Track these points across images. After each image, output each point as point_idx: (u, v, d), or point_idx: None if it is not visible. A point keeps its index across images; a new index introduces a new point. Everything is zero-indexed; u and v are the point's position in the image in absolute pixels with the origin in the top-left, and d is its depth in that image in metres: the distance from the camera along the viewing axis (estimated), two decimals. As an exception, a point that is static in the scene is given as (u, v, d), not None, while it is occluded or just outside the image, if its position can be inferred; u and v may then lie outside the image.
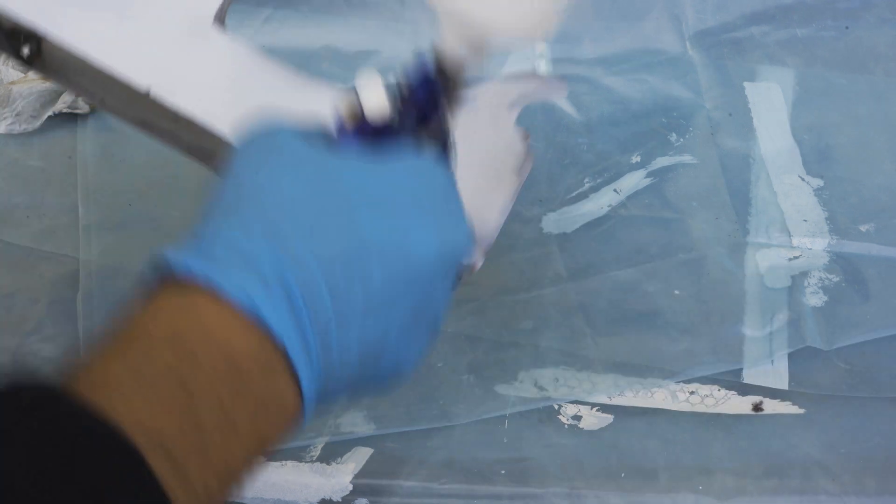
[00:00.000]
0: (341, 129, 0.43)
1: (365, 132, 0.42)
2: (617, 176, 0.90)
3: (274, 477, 0.73)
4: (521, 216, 0.87)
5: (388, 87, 0.43)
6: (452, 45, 0.45)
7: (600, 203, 0.88)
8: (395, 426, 0.75)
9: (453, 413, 0.76)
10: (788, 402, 0.76)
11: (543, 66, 0.98)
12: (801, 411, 0.76)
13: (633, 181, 0.89)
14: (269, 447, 0.37)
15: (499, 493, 0.72)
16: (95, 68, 0.65)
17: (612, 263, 0.84)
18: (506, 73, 0.77)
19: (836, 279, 0.82)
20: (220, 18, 0.72)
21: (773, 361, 0.78)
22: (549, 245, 0.85)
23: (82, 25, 0.68)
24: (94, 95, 0.69)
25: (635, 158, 0.91)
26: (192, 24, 0.71)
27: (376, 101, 0.42)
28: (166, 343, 0.35)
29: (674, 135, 0.92)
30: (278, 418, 0.37)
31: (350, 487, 0.73)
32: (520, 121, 0.95)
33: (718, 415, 0.75)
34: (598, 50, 0.98)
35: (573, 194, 0.89)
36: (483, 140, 0.75)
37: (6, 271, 0.86)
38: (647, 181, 0.89)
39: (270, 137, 0.41)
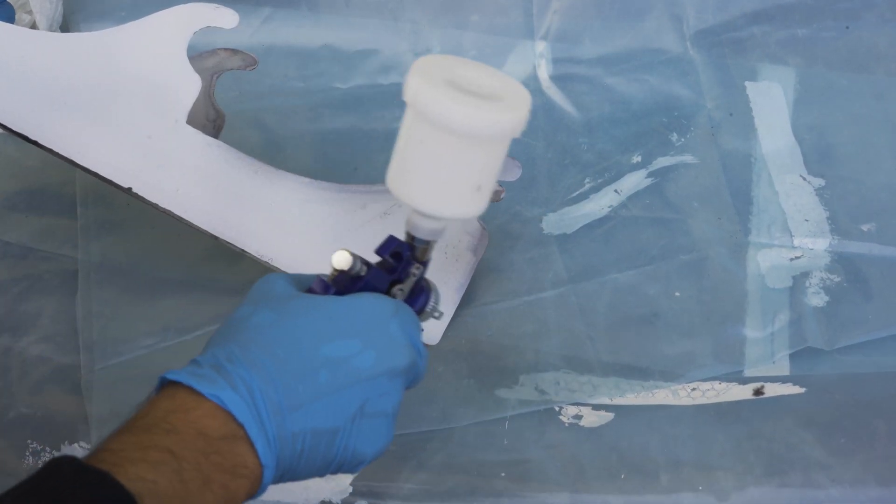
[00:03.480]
0: (320, 281, 0.59)
1: (340, 282, 0.58)
2: (617, 176, 0.90)
3: (274, 479, 0.73)
4: (521, 217, 0.87)
5: (355, 254, 0.58)
6: (413, 224, 0.60)
7: (601, 203, 0.88)
8: (395, 428, 0.75)
9: (453, 415, 0.76)
10: (790, 384, 0.76)
11: (544, 66, 0.98)
12: (802, 390, 0.75)
13: (633, 181, 0.89)
14: (236, 499, 0.52)
15: (498, 495, 0.72)
16: (83, 167, 0.76)
17: (612, 265, 0.84)
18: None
19: (837, 279, 0.82)
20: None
21: (774, 362, 0.78)
22: (550, 246, 0.85)
23: (66, 131, 0.76)
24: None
25: (636, 158, 0.91)
26: (167, 126, 0.77)
27: (342, 261, 0.57)
28: (160, 426, 0.50)
29: (674, 134, 0.92)
30: (242, 477, 0.52)
31: (350, 489, 0.73)
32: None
33: (719, 412, 0.75)
34: (598, 50, 0.98)
35: (573, 195, 0.89)
36: None
37: (6, 271, 0.86)
38: (648, 181, 0.89)
39: (265, 283, 0.59)
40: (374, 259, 0.60)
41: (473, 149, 0.57)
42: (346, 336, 0.55)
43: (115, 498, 0.46)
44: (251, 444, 0.52)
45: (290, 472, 0.55)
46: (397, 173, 0.59)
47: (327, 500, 0.72)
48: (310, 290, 0.58)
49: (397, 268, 0.60)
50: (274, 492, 0.72)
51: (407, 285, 0.61)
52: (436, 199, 0.58)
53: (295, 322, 0.55)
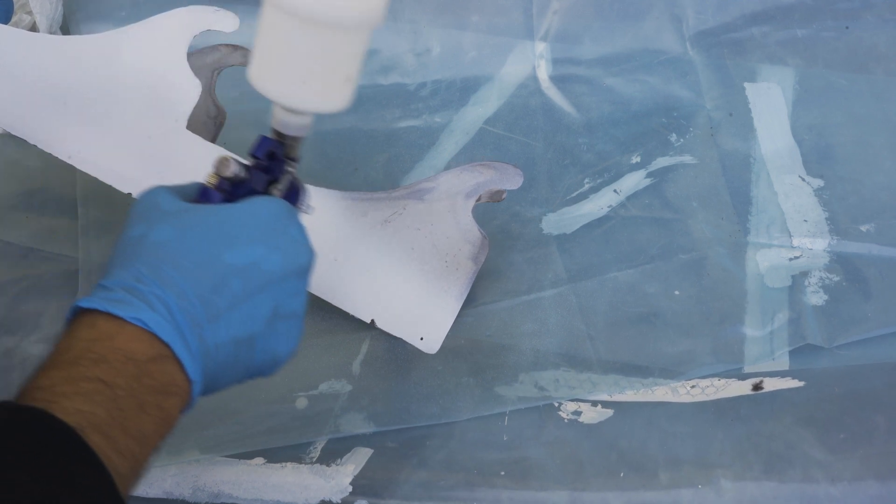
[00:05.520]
0: (205, 188, 0.59)
1: (223, 189, 0.59)
2: (617, 176, 0.90)
3: (274, 478, 0.73)
4: (521, 217, 0.87)
5: (234, 158, 0.59)
6: (280, 120, 0.60)
7: (600, 203, 0.88)
8: (394, 424, 0.75)
9: (453, 411, 0.76)
10: (789, 378, 0.76)
11: (543, 67, 0.98)
12: (801, 384, 0.76)
13: (633, 181, 0.89)
14: (171, 418, 0.52)
15: (498, 494, 0.72)
16: (82, 171, 0.76)
17: (611, 264, 0.84)
18: (462, 165, 0.80)
19: (836, 279, 0.82)
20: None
21: (774, 359, 0.78)
22: (549, 246, 0.85)
23: (65, 134, 0.76)
24: None
25: (635, 159, 0.91)
26: (167, 129, 0.77)
27: (227, 167, 0.59)
28: (87, 357, 0.50)
29: (674, 135, 0.92)
30: (174, 396, 0.52)
31: (349, 489, 0.73)
32: (521, 121, 0.95)
33: (718, 410, 0.75)
34: (598, 50, 0.98)
35: (573, 195, 0.89)
36: (441, 228, 0.79)
37: (6, 271, 0.86)
38: (648, 181, 0.89)
39: (148, 198, 0.57)
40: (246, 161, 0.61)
41: (336, 39, 0.56)
42: (251, 242, 0.56)
43: (55, 433, 0.46)
44: (178, 362, 0.52)
45: (213, 383, 0.55)
46: (261, 69, 0.58)
47: (327, 499, 0.72)
48: (199, 201, 0.58)
49: (272, 167, 0.61)
50: (273, 492, 0.72)
51: (283, 183, 0.62)
52: (302, 94, 0.58)
53: (196, 234, 0.55)
